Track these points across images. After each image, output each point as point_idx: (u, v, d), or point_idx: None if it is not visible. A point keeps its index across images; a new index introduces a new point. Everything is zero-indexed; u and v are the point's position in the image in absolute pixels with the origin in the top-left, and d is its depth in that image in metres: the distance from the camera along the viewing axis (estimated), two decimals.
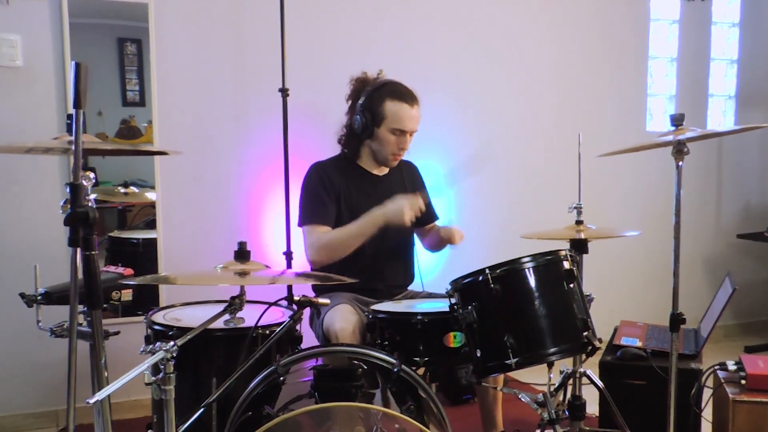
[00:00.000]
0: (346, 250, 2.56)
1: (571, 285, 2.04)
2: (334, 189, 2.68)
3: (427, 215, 2.88)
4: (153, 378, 1.61)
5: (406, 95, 2.66)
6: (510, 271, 2.01)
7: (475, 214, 3.98)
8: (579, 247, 2.54)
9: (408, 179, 2.86)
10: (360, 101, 2.69)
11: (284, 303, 2.34)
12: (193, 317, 2.22)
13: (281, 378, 1.92)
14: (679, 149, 2.25)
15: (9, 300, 2.60)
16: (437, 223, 2.97)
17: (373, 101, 2.66)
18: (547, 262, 2.04)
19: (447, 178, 3.88)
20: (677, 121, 2.29)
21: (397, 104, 2.64)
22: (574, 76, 4.21)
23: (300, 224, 2.71)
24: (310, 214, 2.68)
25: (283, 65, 3.22)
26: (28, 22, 3.08)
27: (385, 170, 2.82)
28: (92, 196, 1.63)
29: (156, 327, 2.18)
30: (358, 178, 2.75)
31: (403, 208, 2.49)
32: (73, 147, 1.49)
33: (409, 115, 2.65)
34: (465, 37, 3.92)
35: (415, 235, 2.91)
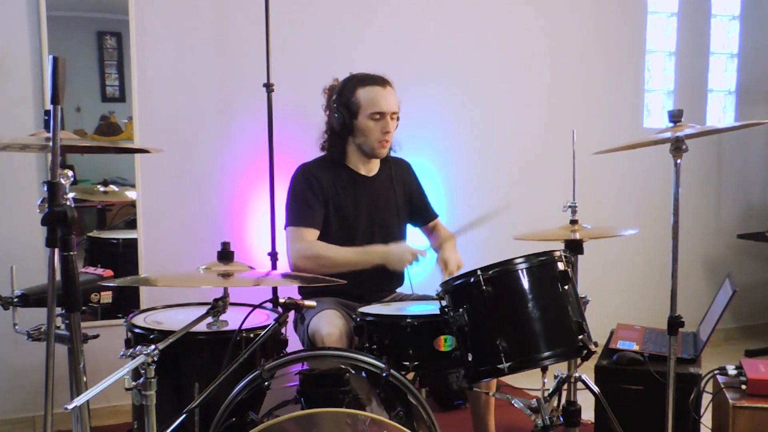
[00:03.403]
0: (333, 270, 2.52)
1: (566, 287, 2.01)
2: (322, 191, 2.65)
3: (425, 214, 2.90)
4: (133, 383, 1.60)
5: (375, 79, 2.65)
6: (502, 272, 1.98)
7: (466, 213, 3.89)
8: (574, 247, 2.50)
9: (398, 179, 2.82)
10: (333, 100, 2.67)
11: (269, 305, 2.32)
12: (175, 320, 2.23)
13: (266, 383, 1.90)
14: (678, 146, 2.23)
15: None
16: (439, 221, 2.97)
17: (344, 95, 2.64)
18: (541, 263, 2.01)
19: (438, 176, 3.85)
20: (675, 117, 2.26)
21: (368, 89, 2.62)
22: (568, 71, 4.19)
23: (286, 226, 2.67)
24: (296, 217, 2.64)
25: (267, 59, 3.18)
26: (4, 15, 3.04)
27: (374, 170, 2.77)
28: (70, 195, 1.61)
29: (136, 330, 2.18)
30: (346, 179, 2.71)
31: (404, 257, 2.54)
32: (50, 144, 1.48)
33: (384, 96, 2.62)
34: (455, 33, 3.89)
35: (405, 239, 2.87)
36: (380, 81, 2.64)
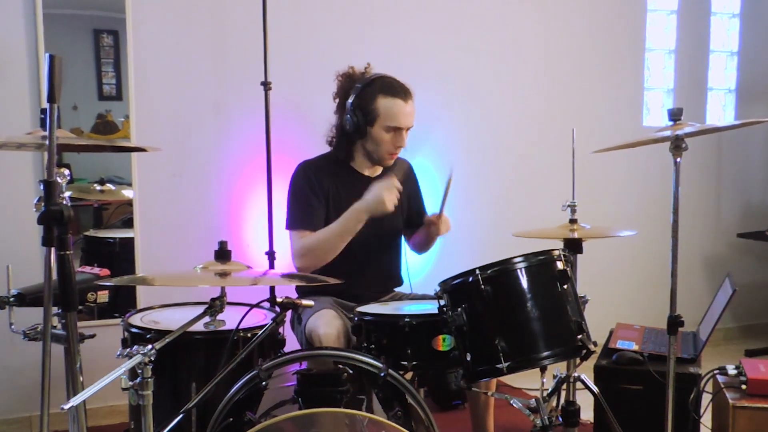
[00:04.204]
0: (332, 251, 2.51)
1: (565, 286, 1.99)
2: (323, 191, 2.62)
3: (417, 219, 2.83)
4: (130, 383, 1.59)
5: (399, 90, 2.57)
6: (501, 271, 1.97)
7: (465, 213, 3.93)
8: (573, 246, 2.49)
9: (403, 180, 2.77)
10: (350, 100, 2.60)
11: (266, 305, 2.32)
12: (172, 320, 2.23)
13: (263, 383, 1.88)
14: (677, 145, 2.21)
15: None
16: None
17: (364, 99, 2.56)
18: (540, 263, 1.99)
19: (436, 175, 3.82)
20: (675, 115, 2.25)
21: (390, 100, 2.55)
22: (567, 69, 4.18)
23: (287, 228, 2.65)
24: (297, 219, 2.61)
25: (265, 57, 3.16)
26: (0, 13, 3.02)
27: (378, 171, 2.75)
28: (67, 194, 1.64)
29: (133, 330, 2.18)
30: (348, 179, 2.68)
31: (382, 194, 2.42)
32: (47, 143, 1.48)
33: (404, 111, 2.56)
34: (454, 31, 3.88)
35: (402, 238, 2.85)
36: (403, 94, 2.56)
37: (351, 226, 2.48)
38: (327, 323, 2.36)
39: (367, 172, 2.71)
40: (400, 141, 2.59)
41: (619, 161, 4.25)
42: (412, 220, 2.82)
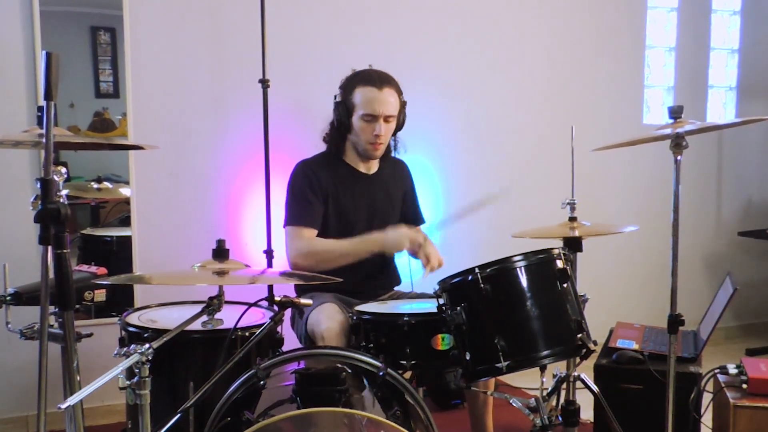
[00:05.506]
0: (333, 264, 2.52)
1: (565, 285, 2.00)
2: (322, 189, 2.63)
3: (413, 218, 2.86)
4: (127, 382, 1.58)
5: (374, 79, 2.60)
6: (501, 270, 1.98)
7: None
8: (573, 245, 2.48)
9: (397, 178, 2.82)
10: (336, 95, 2.65)
11: (265, 303, 2.30)
12: (170, 318, 2.23)
13: (261, 382, 1.89)
14: (678, 143, 2.21)
15: None
16: (420, 228, 2.93)
17: (345, 92, 2.62)
18: (540, 261, 2.00)
19: (435, 173, 3.83)
20: (675, 113, 2.25)
21: (365, 89, 2.58)
22: (567, 67, 4.17)
23: (285, 225, 2.65)
24: (296, 216, 2.62)
25: (263, 55, 3.16)
26: None
27: (374, 168, 2.76)
28: (64, 192, 1.64)
29: (130, 329, 2.18)
30: (345, 176, 2.69)
31: (403, 241, 2.51)
32: (44, 140, 1.48)
33: (378, 99, 2.57)
34: (453, 27, 3.87)
35: None
36: (378, 82, 2.59)
37: (361, 251, 2.53)
38: (329, 317, 2.35)
39: (362, 168, 2.72)
40: (377, 129, 2.59)
41: (619, 159, 4.24)
42: (407, 218, 2.83)
